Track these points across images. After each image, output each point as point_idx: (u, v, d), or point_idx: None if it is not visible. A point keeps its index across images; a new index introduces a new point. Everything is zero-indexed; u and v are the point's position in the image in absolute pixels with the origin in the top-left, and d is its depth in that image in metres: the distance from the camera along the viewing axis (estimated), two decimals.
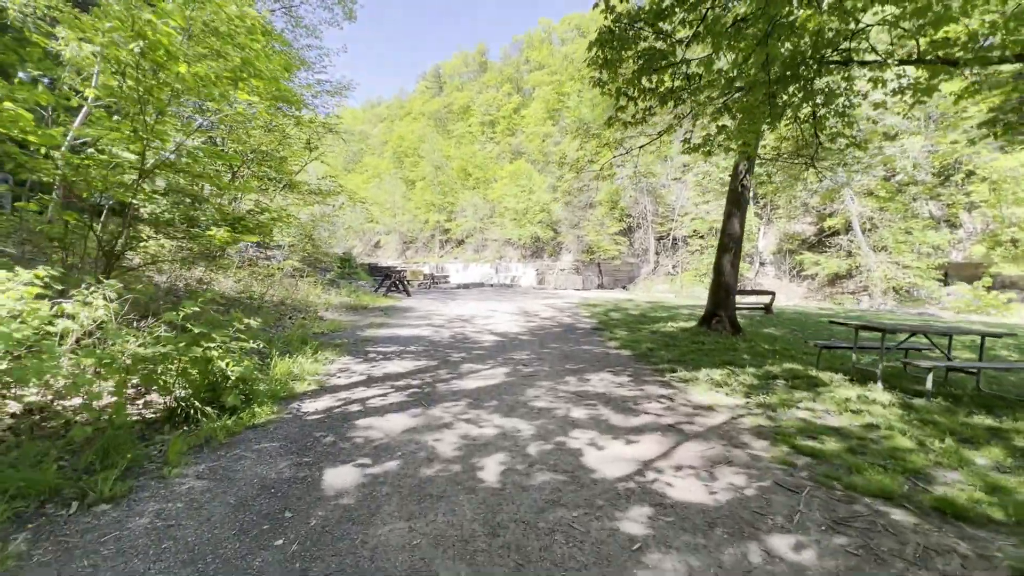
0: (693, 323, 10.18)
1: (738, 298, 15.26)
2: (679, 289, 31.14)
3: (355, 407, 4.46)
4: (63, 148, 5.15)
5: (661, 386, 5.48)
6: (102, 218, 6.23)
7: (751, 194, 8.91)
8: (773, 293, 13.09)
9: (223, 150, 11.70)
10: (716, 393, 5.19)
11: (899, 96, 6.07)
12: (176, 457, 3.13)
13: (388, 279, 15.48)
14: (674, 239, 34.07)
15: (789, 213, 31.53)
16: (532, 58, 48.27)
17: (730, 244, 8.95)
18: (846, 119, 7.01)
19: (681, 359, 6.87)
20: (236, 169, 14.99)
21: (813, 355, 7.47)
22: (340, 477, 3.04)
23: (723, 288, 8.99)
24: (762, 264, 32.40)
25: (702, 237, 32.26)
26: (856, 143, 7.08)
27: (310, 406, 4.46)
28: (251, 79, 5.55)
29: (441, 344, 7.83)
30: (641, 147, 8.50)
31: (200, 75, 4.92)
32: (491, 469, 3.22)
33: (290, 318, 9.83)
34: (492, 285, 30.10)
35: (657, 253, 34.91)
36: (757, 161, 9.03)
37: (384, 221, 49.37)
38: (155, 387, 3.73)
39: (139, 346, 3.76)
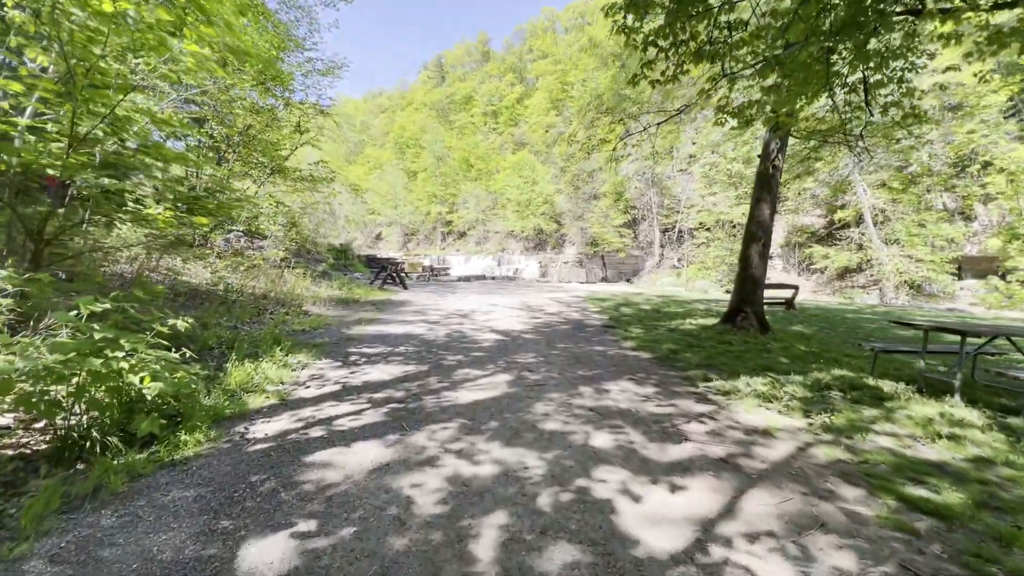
0: (713, 320, 9.14)
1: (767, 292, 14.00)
2: (684, 283, 30.12)
3: (317, 431, 3.45)
4: None
5: (696, 400, 4.46)
6: (65, 202, 5.21)
7: (781, 176, 7.81)
8: (796, 287, 12.03)
9: (186, 120, 10.65)
10: (767, 410, 4.17)
11: (978, 56, 4.99)
12: (31, 522, 2.12)
13: (384, 271, 14.44)
14: (679, 232, 32.94)
15: (798, 205, 30.38)
16: (535, 47, 46.78)
17: (758, 232, 7.88)
18: (906, 86, 5.92)
19: (711, 363, 5.85)
20: (224, 153, 13.97)
21: (858, 358, 6.44)
22: (264, 557, 2.03)
23: (750, 281, 7.93)
24: (770, 257, 31.32)
25: (708, 230, 31.18)
26: (916, 115, 5.98)
27: (260, 429, 3.46)
28: (200, 26, 4.50)
29: (435, 344, 6.81)
30: (676, 113, 7.36)
31: (126, 12, 3.86)
32: (488, 539, 2.21)
33: (271, 313, 8.84)
34: (494, 278, 29.07)
35: (662, 246, 33.78)
36: (790, 139, 7.92)
37: (385, 213, 48.23)
38: (37, 411, 2.72)
39: (11, 355, 2.74)
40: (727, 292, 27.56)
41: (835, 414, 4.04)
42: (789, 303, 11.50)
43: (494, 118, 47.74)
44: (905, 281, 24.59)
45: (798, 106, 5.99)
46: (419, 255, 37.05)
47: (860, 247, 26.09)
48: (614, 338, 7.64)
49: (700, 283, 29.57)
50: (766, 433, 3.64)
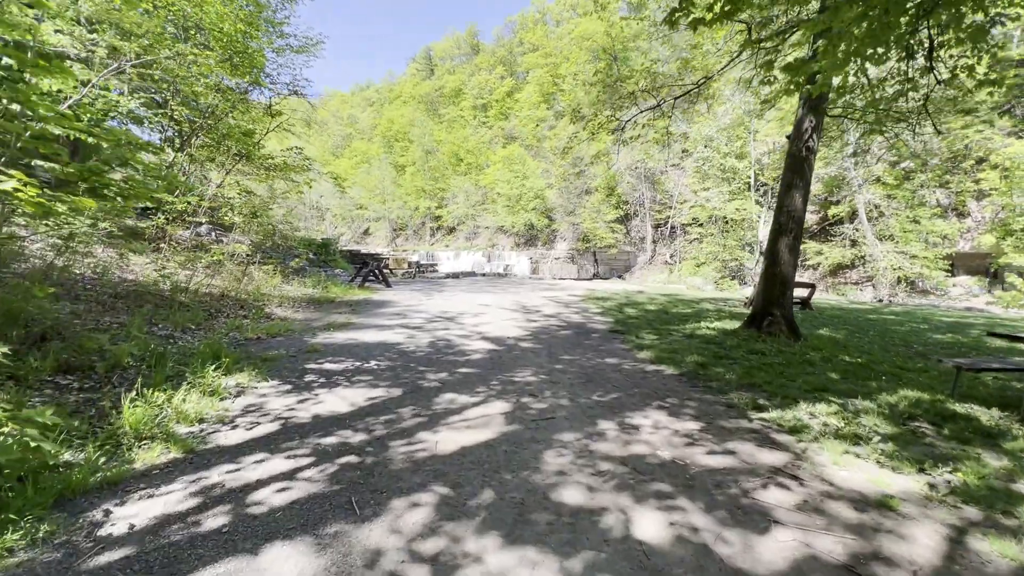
0: (732, 323, 8.02)
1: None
2: (678, 279, 29.24)
3: (216, 518, 2.21)
4: None
5: (758, 441, 3.29)
6: None
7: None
8: (813, 285, 11.00)
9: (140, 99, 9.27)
10: (860, 459, 3.01)
11: None
12: None
13: (365, 267, 13.06)
14: (672, 227, 31.99)
15: None
16: (526, 40, 45.19)
17: (789, 224, 6.74)
18: (982, 49, 4.80)
19: (751, 381, 4.70)
20: (187, 137, 12.48)
21: (916, 371, 5.36)
22: None
23: (779, 281, 6.80)
24: (762, 253, 30.57)
25: (701, 225, 30.30)
26: (995, 81, 4.86)
27: (128, 516, 2.20)
28: None
29: (414, 357, 5.56)
30: (705, 80, 6.18)
31: None
32: None
33: (228, 316, 7.51)
34: (484, 274, 27.76)
35: (654, 242, 32.82)
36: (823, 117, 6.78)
37: (373, 208, 46.48)
38: None
39: None
40: (721, 289, 26.68)
41: (955, 466, 2.90)
42: (805, 302, 10.47)
43: (484, 112, 46.15)
44: (900, 278, 24.04)
45: (843, 75, 4.86)
46: (407, 251, 35.58)
47: (853, 243, 25.44)
48: (625, 346, 6.45)
49: (693, 280, 28.71)
50: (882, 506, 2.47)
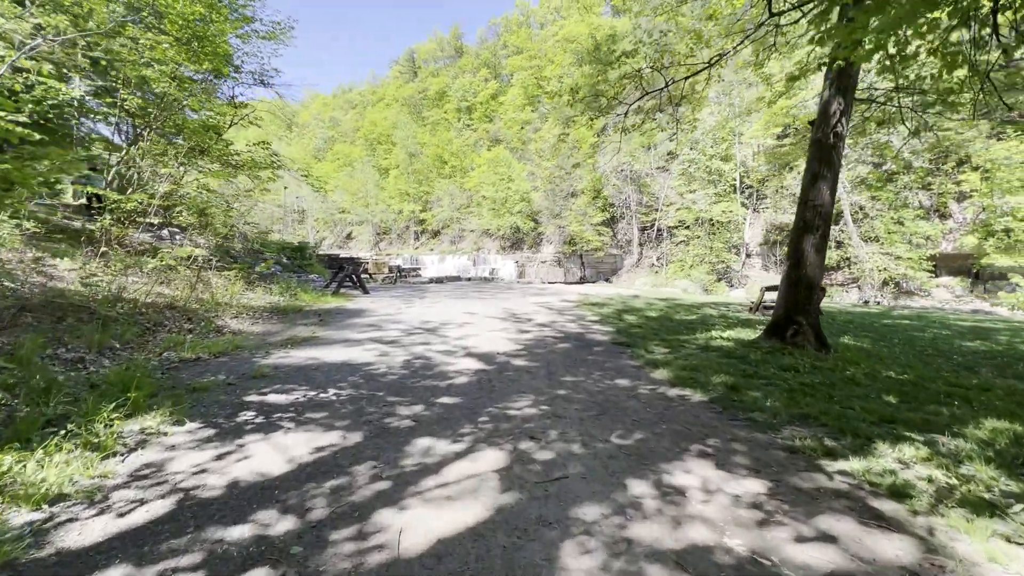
0: (744, 331, 7.13)
1: (773, 295, 11.63)
2: (664, 282, 28.67)
3: None
4: None
5: (856, 514, 2.31)
6: None
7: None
8: (823, 288, 10.21)
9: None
10: (1018, 546, 2.07)
11: None
12: None
13: (340, 272, 11.85)
14: (658, 230, 31.40)
15: (776, 203, 29.37)
16: (510, 42, 44.32)
17: (816, 221, 5.87)
18: None
19: (800, 410, 3.75)
20: (140, 130, 11.17)
21: (969, 388, 4.51)
22: None
23: (804, 285, 5.91)
24: (748, 256, 30.21)
25: (687, 228, 29.80)
26: None
27: None
28: None
29: (384, 382, 4.48)
30: (719, 58, 5.27)
31: None
32: None
33: (170, 331, 6.33)
34: (470, 279, 26.66)
35: (641, 244, 32.18)
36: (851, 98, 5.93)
37: (356, 211, 44.97)
38: None
39: None
40: (707, 292, 26.09)
41: None
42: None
43: (468, 114, 45.10)
44: (887, 279, 23.85)
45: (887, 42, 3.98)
46: (391, 255, 34.26)
47: (839, 244, 25.19)
48: (635, 363, 5.47)
49: (681, 282, 28.18)
50: None
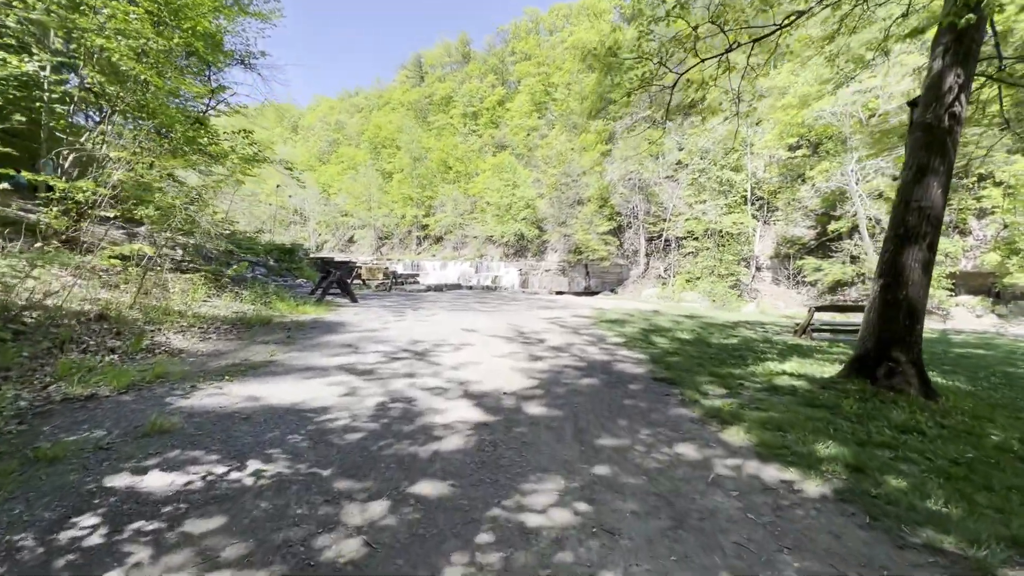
0: (803, 361, 5.62)
1: (824, 316, 9.77)
2: (670, 294, 27.21)
3: None
4: None
5: None
6: None
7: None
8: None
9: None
10: None
11: None
12: None
13: (327, 278, 10.35)
14: (666, 240, 29.95)
15: (787, 216, 27.92)
16: (518, 49, 43.18)
17: (922, 227, 4.37)
18: None
19: (977, 512, 2.27)
20: (106, 114, 9.77)
21: None
22: None
23: (904, 310, 4.42)
24: (759, 269, 28.74)
25: (696, 239, 28.36)
26: None
27: None
28: None
29: (338, 448, 2.98)
30: (788, 21, 3.86)
31: None
32: None
33: (87, 348, 4.86)
34: (471, 287, 25.06)
35: (647, 255, 30.71)
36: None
37: (359, 215, 43.58)
38: None
39: None
40: (714, 303, 24.58)
41: None
42: None
43: (474, 120, 43.85)
44: None
45: None
46: (391, 259, 32.82)
47: (854, 259, 23.71)
48: (691, 412, 3.96)
49: (688, 295, 26.72)
50: None
